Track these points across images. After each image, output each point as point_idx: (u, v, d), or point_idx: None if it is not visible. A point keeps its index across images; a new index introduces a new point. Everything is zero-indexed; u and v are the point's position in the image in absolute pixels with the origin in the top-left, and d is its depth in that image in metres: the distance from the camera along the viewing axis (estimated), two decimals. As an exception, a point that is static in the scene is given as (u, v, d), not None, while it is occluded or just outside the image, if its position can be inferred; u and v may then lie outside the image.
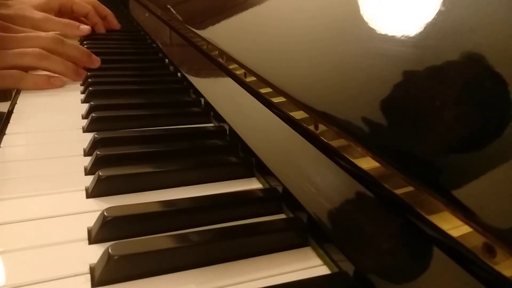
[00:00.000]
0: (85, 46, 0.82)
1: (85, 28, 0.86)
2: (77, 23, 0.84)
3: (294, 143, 0.35)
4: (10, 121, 0.50)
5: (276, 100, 0.37)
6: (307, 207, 0.32)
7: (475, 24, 0.24)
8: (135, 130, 0.48)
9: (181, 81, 0.66)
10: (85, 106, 0.54)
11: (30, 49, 0.61)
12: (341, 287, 0.27)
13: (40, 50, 0.61)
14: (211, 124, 0.52)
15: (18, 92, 0.60)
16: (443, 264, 0.22)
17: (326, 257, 0.29)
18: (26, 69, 0.62)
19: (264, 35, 0.42)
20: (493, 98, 0.21)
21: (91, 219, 0.32)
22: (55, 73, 0.64)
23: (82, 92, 0.61)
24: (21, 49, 0.60)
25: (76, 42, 0.67)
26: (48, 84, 0.62)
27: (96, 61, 0.68)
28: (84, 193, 0.36)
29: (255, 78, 0.40)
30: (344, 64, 0.31)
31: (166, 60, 0.77)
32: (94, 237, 0.30)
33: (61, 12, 0.84)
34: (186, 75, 0.64)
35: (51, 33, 0.65)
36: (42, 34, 0.65)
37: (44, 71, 0.63)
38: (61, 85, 0.63)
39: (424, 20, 0.26)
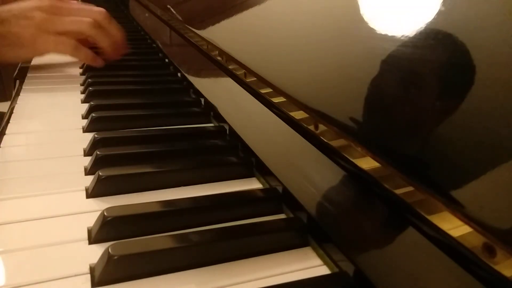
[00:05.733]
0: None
1: None
2: None
3: (294, 143, 0.35)
4: (10, 121, 0.50)
5: (276, 100, 0.37)
6: (307, 207, 0.32)
7: (476, 23, 0.24)
8: (135, 130, 0.48)
9: (181, 81, 0.66)
10: (85, 106, 0.54)
11: (85, 18, 0.66)
12: (341, 287, 0.27)
13: (94, 20, 0.66)
14: (211, 124, 0.52)
15: (18, 92, 0.60)
16: (443, 264, 0.22)
17: (326, 257, 0.29)
18: (79, 36, 0.66)
19: (264, 35, 0.42)
20: (493, 99, 0.21)
21: (91, 219, 0.32)
22: (99, 45, 0.68)
23: (82, 92, 0.61)
24: (78, 17, 0.66)
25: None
26: (94, 61, 0.68)
27: (126, 48, 0.72)
28: (84, 193, 0.36)
29: (255, 78, 0.40)
30: (344, 64, 0.31)
31: (166, 60, 0.77)
32: (94, 237, 0.30)
33: None
34: (186, 75, 0.64)
35: (101, 9, 0.70)
36: (94, 8, 0.70)
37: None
38: (101, 65, 0.69)
39: (425, 20, 0.26)
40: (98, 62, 0.68)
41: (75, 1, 0.73)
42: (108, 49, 0.69)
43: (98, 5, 0.69)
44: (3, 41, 0.62)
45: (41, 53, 0.65)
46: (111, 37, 0.69)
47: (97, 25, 0.66)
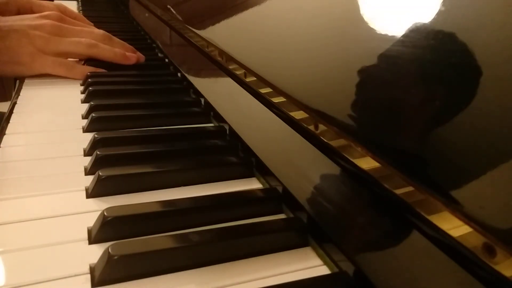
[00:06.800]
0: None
1: None
2: None
3: (294, 143, 0.35)
4: (10, 121, 0.50)
5: (276, 100, 0.37)
6: (307, 207, 0.32)
7: (476, 24, 0.24)
8: (135, 130, 0.48)
9: (181, 81, 0.66)
10: (85, 106, 0.54)
11: (83, 39, 0.68)
12: (341, 287, 0.27)
13: (90, 40, 0.68)
14: (211, 124, 0.52)
15: (18, 92, 0.60)
16: (443, 264, 0.22)
17: (326, 257, 0.29)
18: (78, 56, 0.69)
19: (264, 35, 0.42)
20: (494, 99, 0.21)
21: (91, 219, 0.31)
22: (104, 59, 0.69)
23: (82, 92, 0.61)
24: (76, 38, 0.67)
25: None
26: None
27: (141, 57, 0.74)
28: (84, 193, 0.36)
29: (255, 78, 0.40)
30: (344, 64, 0.31)
31: (166, 60, 0.77)
32: (94, 237, 0.30)
33: (20, 14, 0.85)
34: (186, 75, 0.64)
35: (101, 31, 0.72)
36: (95, 30, 0.73)
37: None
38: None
39: (425, 20, 0.26)
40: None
41: (77, 21, 0.75)
42: (115, 58, 0.69)
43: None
44: (0, 56, 0.61)
45: (38, 72, 0.65)
46: (114, 51, 0.69)
47: (93, 44, 0.67)
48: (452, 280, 0.22)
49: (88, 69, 0.67)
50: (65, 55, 0.67)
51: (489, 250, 0.19)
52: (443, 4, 0.26)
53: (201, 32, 0.56)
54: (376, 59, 0.28)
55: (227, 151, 0.44)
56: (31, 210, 0.33)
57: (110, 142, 0.43)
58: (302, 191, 0.33)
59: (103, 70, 0.68)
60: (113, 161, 0.39)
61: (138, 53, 0.74)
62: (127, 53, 0.71)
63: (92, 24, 0.90)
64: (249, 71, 0.42)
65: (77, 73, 0.66)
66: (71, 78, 0.65)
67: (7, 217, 0.32)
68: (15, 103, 0.56)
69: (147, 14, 0.97)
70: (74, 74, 0.65)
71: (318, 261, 0.30)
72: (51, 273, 0.27)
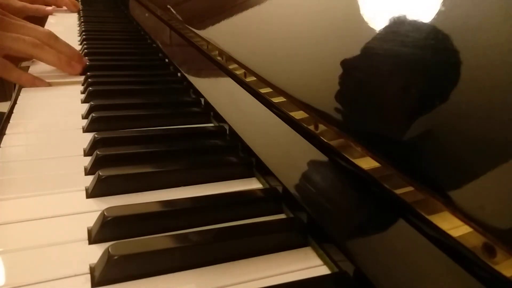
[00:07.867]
0: (85, 46, 0.83)
1: (49, 9, 1.18)
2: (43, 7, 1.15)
3: (294, 143, 0.35)
4: (10, 121, 0.50)
5: (276, 100, 0.37)
6: (307, 207, 0.32)
7: (478, 23, 0.24)
8: (135, 130, 0.48)
9: (181, 81, 0.66)
10: (85, 106, 0.54)
11: (27, 37, 0.62)
12: (341, 287, 0.27)
13: (34, 39, 0.63)
14: (211, 124, 0.52)
15: (18, 92, 0.60)
16: (443, 264, 0.22)
17: (326, 257, 0.29)
18: (18, 54, 0.63)
19: (264, 35, 0.42)
20: (494, 98, 0.21)
21: (91, 219, 0.32)
22: (46, 63, 0.65)
23: (82, 92, 0.61)
24: (19, 35, 0.62)
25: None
26: (31, 84, 0.62)
27: (85, 64, 0.69)
28: (84, 193, 0.36)
29: (255, 78, 0.40)
30: (344, 64, 0.31)
31: (166, 60, 0.77)
32: (94, 237, 0.30)
33: None
34: (186, 75, 0.64)
35: (46, 29, 0.67)
36: (39, 28, 0.66)
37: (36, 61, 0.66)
38: (45, 86, 0.63)
39: (425, 20, 0.26)
40: (38, 85, 0.62)
41: (19, 19, 0.68)
42: (59, 64, 0.65)
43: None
44: None
45: None
46: (59, 55, 0.65)
47: (37, 43, 0.63)
48: (452, 280, 0.22)
49: (26, 77, 0.62)
50: (9, 51, 0.61)
51: (489, 250, 0.19)
52: (444, 4, 0.26)
53: (201, 32, 0.56)
54: (376, 59, 0.28)
55: (227, 151, 0.44)
56: (31, 210, 0.33)
57: (110, 142, 0.43)
58: (302, 191, 0.33)
59: (45, 83, 0.63)
60: (113, 161, 0.39)
61: (84, 59, 0.70)
62: (72, 62, 0.66)
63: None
64: (249, 71, 0.42)
65: (12, 76, 0.61)
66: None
67: (7, 217, 0.32)
68: (15, 103, 0.56)
69: (147, 14, 0.97)
70: (9, 77, 0.61)
71: (318, 261, 0.30)
72: (51, 273, 0.27)
